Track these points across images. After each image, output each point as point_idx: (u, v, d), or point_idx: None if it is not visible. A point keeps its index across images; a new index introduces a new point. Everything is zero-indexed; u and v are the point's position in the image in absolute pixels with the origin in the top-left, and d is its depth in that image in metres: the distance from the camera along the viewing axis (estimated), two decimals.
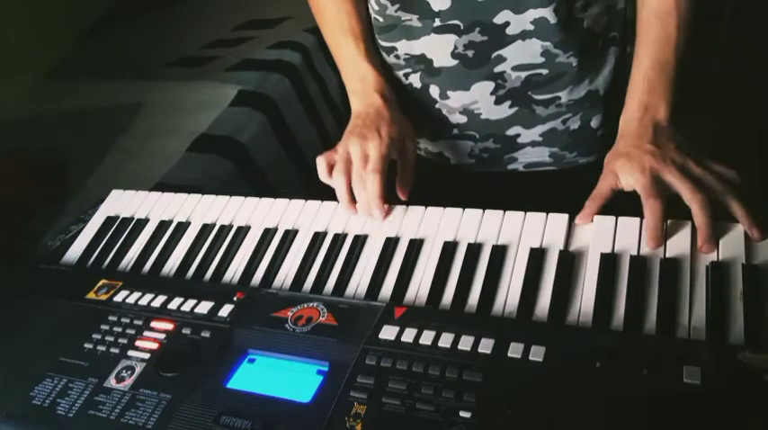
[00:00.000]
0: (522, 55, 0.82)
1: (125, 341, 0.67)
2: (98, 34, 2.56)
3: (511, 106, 0.87)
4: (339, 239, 0.76)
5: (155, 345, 0.66)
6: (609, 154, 0.74)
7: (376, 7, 0.87)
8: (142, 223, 0.87)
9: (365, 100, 0.86)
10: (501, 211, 0.73)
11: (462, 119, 0.90)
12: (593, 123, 0.89)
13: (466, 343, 0.58)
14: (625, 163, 0.70)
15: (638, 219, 0.67)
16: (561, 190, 0.90)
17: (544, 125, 0.89)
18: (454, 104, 0.88)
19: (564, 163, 0.93)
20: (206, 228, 0.83)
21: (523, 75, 0.84)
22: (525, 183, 0.95)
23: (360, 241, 0.75)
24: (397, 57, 0.89)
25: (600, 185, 0.72)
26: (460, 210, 0.75)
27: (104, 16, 2.65)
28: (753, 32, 2.50)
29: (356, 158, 0.78)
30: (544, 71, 0.84)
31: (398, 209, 0.77)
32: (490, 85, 0.85)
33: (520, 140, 0.91)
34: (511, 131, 0.90)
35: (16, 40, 2.18)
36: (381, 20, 0.87)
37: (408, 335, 0.60)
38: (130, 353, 0.66)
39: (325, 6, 0.90)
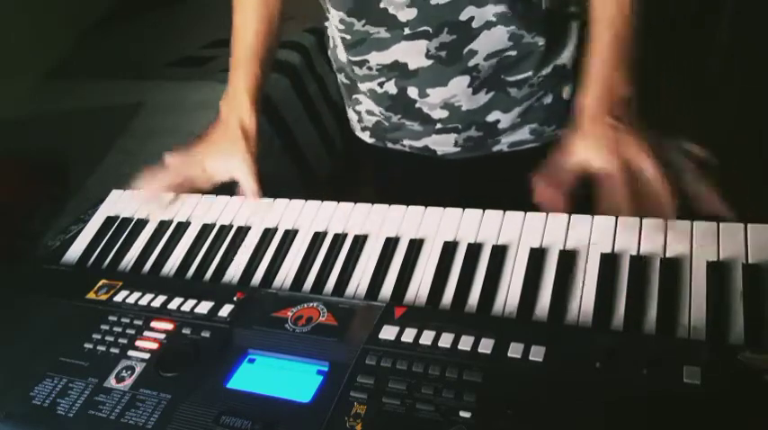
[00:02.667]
0: (490, 43, 0.84)
1: (125, 341, 0.67)
2: (98, 34, 2.56)
3: (487, 92, 0.88)
4: (339, 239, 0.76)
5: (155, 345, 0.66)
6: (573, 136, 0.74)
7: (341, 26, 0.87)
8: (142, 223, 0.87)
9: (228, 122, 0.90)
10: (501, 211, 0.73)
11: (444, 113, 0.90)
12: (565, 95, 0.91)
13: (466, 343, 0.58)
14: (593, 145, 0.70)
15: (638, 219, 0.67)
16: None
17: (521, 106, 0.91)
18: (434, 101, 0.89)
19: (545, 137, 0.94)
20: (206, 228, 0.83)
21: (495, 60, 0.86)
22: (511, 164, 0.96)
23: (360, 241, 0.75)
24: (369, 68, 0.89)
25: (567, 172, 0.72)
26: (460, 210, 0.75)
27: (104, 16, 2.65)
28: (753, 32, 2.50)
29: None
30: (513, 53, 0.85)
31: (398, 209, 0.77)
32: (466, 79, 0.87)
33: (500, 126, 0.92)
34: (491, 118, 0.91)
35: (16, 40, 2.19)
36: (349, 37, 0.88)
37: (408, 335, 0.60)
38: (130, 353, 0.66)
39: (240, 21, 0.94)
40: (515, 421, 0.52)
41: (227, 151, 0.87)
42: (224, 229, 0.82)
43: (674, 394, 0.51)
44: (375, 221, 0.77)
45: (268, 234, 0.80)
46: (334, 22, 0.88)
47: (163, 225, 0.86)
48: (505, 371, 0.55)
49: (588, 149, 0.71)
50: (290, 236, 0.79)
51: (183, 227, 0.85)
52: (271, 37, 0.95)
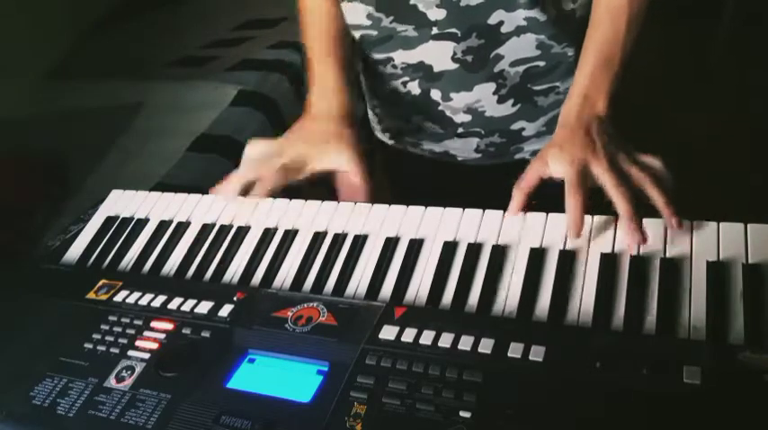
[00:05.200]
0: (518, 50, 0.83)
1: (125, 341, 0.67)
2: (98, 34, 2.56)
3: (513, 104, 0.88)
4: (339, 239, 0.76)
5: (155, 345, 0.66)
6: (546, 144, 0.74)
7: (368, 22, 0.86)
8: (142, 223, 0.87)
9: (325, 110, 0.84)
10: (501, 212, 0.73)
11: (467, 117, 0.90)
12: None
13: (466, 343, 0.58)
14: (557, 152, 0.70)
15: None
16: None
17: (546, 115, 0.90)
18: (458, 105, 0.89)
19: None
20: (206, 228, 0.83)
21: (521, 69, 0.85)
22: None
23: (360, 241, 0.75)
24: (394, 66, 0.89)
25: (527, 173, 0.72)
26: (460, 210, 0.75)
27: (104, 16, 2.65)
28: (752, 31, 2.50)
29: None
30: (541, 63, 0.85)
31: (398, 209, 0.77)
32: (491, 86, 0.86)
33: (525, 134, 0.92)
34: (515, 126, 0.91)
35: (16, 40, 2.18)
36: (375, 33, 0.87)
37: (408, 335, 0.60)
38: (130, 353, 0.66)
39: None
40: (515, 421, 0.52)
41: (322, 143, 0.80)
42: (224, 229, 0.82)
43: (674, 394, 0.51)
44: (375, 221, 0.77)
45: (268, 234, 0.80)
46: (360, 19, 0.87)
47: (163, 225, 0.86)
48: (505, 371, 0.55)
49: (553, 158, 0.70)
50: (290, 236, 0.79)
51: (182, 227, 0.85)
52: (343, 18, 0.90)
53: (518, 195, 0.71)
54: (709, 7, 2.58)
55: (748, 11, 2.51)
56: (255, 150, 0.83)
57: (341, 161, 0.80)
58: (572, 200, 0.66)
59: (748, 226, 0.64)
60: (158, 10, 2.64)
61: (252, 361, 0.64)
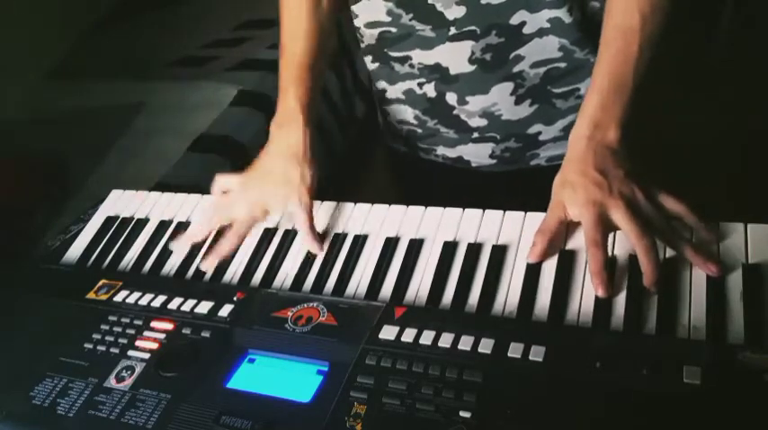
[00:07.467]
0: (539, 51, 0.82)
1: (125, 341, 0.67)
2: (98, 34, 2.56)
3: (531, 104, 0.86)
4: (339, 239, 0.76)
5: (155, 345, 0.66)
6: (556, 179, 0.70)
7: (388, 18, 0.85)
8: (142, 223, 0.87)
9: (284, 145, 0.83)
10: (501, 211, 0.73)
11: (482, 122, 0.89)
12: None
13: (466, 343, 0.58)
14: (571, 194, 0.67)
15: None
16: None
17: (564, 119, 0.88)
18: (473, 109, 0.87)
19: None
20: None
21: (542, 70, 0.83)
22: (549, 178, 0.93)
23: (360, 241, 0.75)
24: (411, 66, 0.88)
25: (548, 218, 0.68)
26: (460, 210, 0.75)
27: (104, 16, 2.66)
28: (752, 31, 2.51)
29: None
30: (562, 65, 0.83)
31: (398, 209, 0.77)
32: (509, 86, 0.84)
33: (541, 138, 0.90)
34: (532, 130, 0.89)
35: (16, 40, 2.19)
36: (395, 30, 0.86)
37: (408, 335, 0.60)
38: (130, 353, 0.66)
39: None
40: (515, 421, 0.52)
41: (279, 187, 0.80)
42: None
43: (674, 394, 0.51)
44: (375, 221, 0.77)
45: (268, 234, 0.80)
46: (380, 15, 0.85)
47: (163, 225, 0.86)
48: (505, 371, 0.55)
49: (568, 201, 0.67)
50: (290, 236, 0.79)
51: (183, 227, 0.84)
52: (321, 52, 0.89)
53: (540, 241, 0.67)
54: (708, 9, 2.59)
55: (747, 13, 2.51)
56: (221, 186, 0.85)
57: (293, 210, 0.79)
58: (591, 252, 0.63)
59: (748, 226, 0.64)
60: (158, 10, 2.64)
61: (252, 361, 0.64)
